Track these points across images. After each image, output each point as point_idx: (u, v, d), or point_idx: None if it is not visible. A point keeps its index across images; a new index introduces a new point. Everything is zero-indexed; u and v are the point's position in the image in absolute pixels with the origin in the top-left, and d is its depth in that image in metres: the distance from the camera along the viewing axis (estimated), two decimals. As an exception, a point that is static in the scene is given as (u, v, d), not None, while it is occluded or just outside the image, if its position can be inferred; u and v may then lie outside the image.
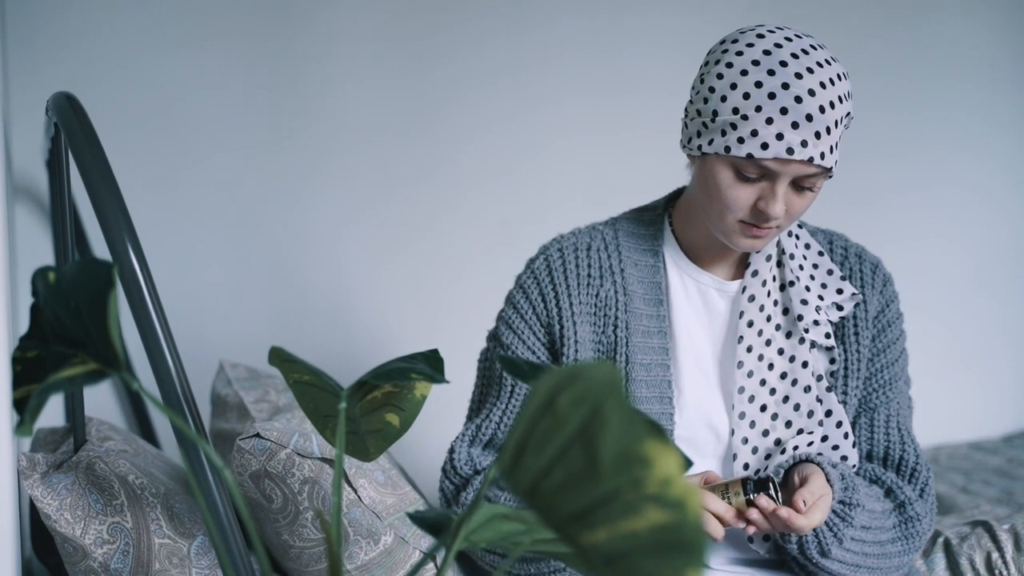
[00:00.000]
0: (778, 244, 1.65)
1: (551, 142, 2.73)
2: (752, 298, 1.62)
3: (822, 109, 1.43)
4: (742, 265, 1.67)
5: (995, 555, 1.84)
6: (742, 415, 1.61)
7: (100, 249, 2.16)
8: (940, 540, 1.89)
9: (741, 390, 1.61)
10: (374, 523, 1.53)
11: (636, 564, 0.74)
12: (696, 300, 1.66)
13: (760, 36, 1.49)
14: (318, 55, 2.54)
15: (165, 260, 2.13)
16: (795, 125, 1.42)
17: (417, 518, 1.12)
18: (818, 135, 1.43)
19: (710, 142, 1.49)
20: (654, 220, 1.71)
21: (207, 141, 2.46)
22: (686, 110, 1.57)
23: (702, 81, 1.52)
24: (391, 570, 1.52)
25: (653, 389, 1.62)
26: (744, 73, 1.45)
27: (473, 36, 2.66)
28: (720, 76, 1.48)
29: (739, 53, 1.48)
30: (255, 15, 2.49)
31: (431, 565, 1.54)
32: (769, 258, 1.63)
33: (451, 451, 1.69)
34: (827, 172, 1.48)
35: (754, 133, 1.44)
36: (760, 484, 1.49)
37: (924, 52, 3.02)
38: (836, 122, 1.45)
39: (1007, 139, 3.11)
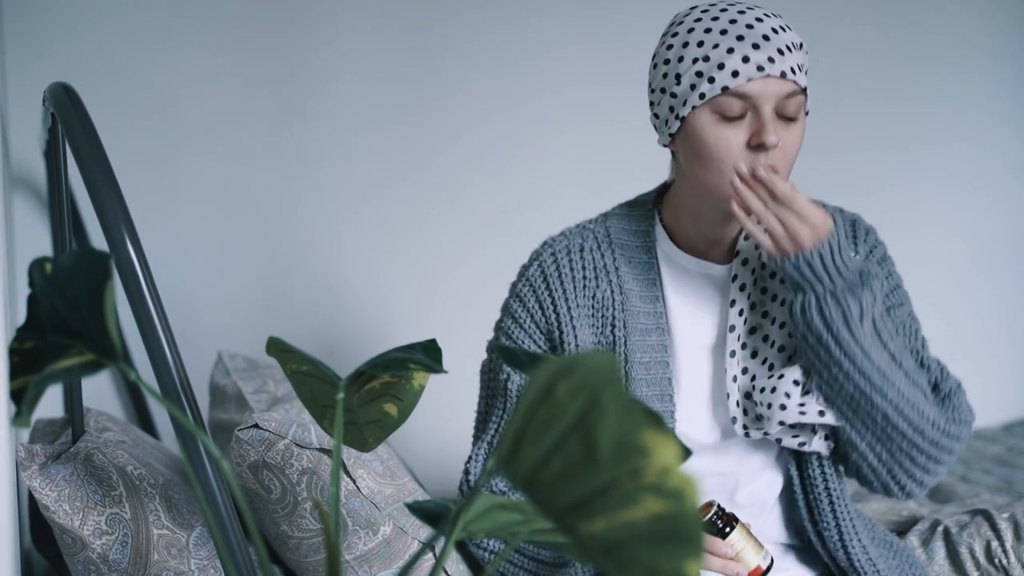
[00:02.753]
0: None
1: (548, 131, 2.73)
2: (743, 287, 1.61)
3: (775, 31, 1.48)
4: (732, 251, 1.65)
5: (995, 544, 1.84)
6: (738, 403, 1.60)
7: (98, 239, 2.16)
8: (940, 529, 1.89)
9: (734, 379, 1.60)
10: (373, 513, 1.53)
11: (634, 554, 0.74)
12: (692, 292, 1.65)
13: (692, 8, 1.56)
14: (314, 45, 2.53)
15: (163, 250, 2.13)
16: (756, 46, 1.46)
17: (416, 508, 1.12)
18: (781, 52, 1.47)
19: (684, 103, 1.51)
20: (645, 215, 1.69)
21: (204, 131, 2.46)
22: (651, 103, 1.60)
23: (655, 67, 1.57)
24: (390, 560, 1.52)
25: (653, 387, 1.61)
26: (691, 31, 1.51)
27: (470, 26, 2.65)
28: (670, 47, 1.53)
29: (679, 24, 1.54)
30: (252, 6, 2.48)
31: (430, 555, 1.55)
32: (758, 246, 1.62)
33: (466, 472, 1.67)
34: (804, 97, 1.50)
35: (721, 66, 1.46)
36: (727, 516, 1.51)
37: (923, 42, 3.02)
38: (792, 45, 1.48)
39: (1006, 129, 3.11)
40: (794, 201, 1.46)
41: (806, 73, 1.52)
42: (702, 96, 1.48)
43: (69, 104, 1.37)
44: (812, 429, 1.57)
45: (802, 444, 1.57)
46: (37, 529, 1.65)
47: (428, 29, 2.62)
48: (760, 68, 1.45)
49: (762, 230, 1.49)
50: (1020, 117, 3.12)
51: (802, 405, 1.54)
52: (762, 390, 1.56)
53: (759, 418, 1.57)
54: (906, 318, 1.66)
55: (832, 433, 1.58)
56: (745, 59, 1.45)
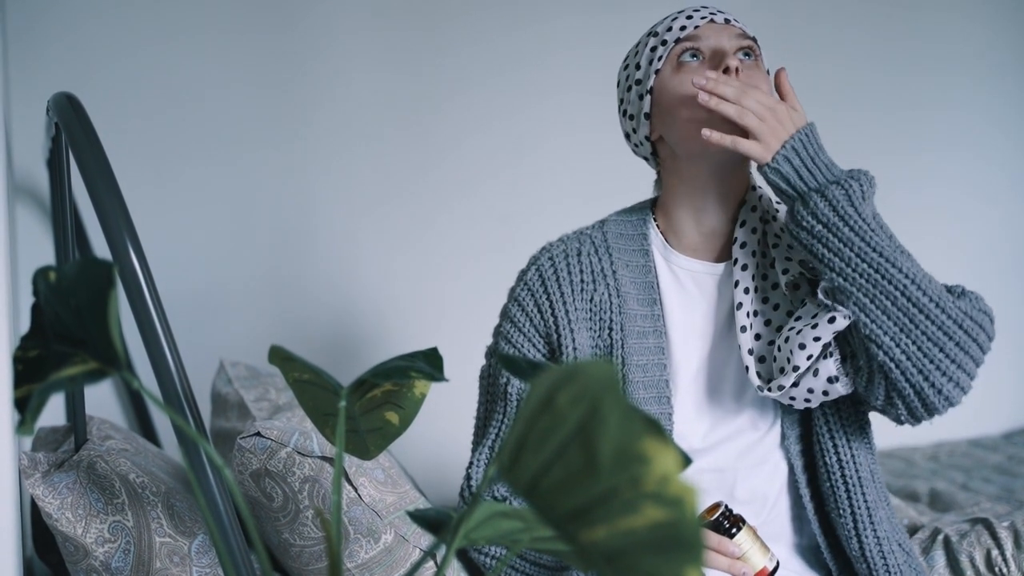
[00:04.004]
0: (761, 217, 1.65)
1: (551, 139, 2.74)
2: (744, 267, 1.62)
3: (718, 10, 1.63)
4: (728, 248, 1.67)
5: (995, 552, 1.84)
6: (746, 369, 1.59)
7: (101, 248, 2.17)
8: (940, 537, 1.89)
9: (751, 352, 1.60)
10: (374, 521, 1.53)
11: (635, 562, 0.74)
12: (690, 291, 1.66)
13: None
14: (315, 56, 2.54)
15: (165, 259, 2.13)
16: (697, 9, 1.62)
17: (417, 516, 1.12)
18: (723, 12, 1.62)
19: (648, 77, 1.61)
20: (641, 220, 1.72)
21: (207, 140, 2.47)
22: (623, 112, 1.68)
23: (618, 84, 1.70)
24: (391, 568, 1.53)
25: (651, 390, 1.62)
26: (639, 42, 1.67)
27: (472, 33, 2.66)
28: (627, 56, 1.69)
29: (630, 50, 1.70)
30: (255, 15, 2.49)
31: (431, 563, 1.55)
32: (755, 230, 1.63)
33: (468, 477, 1.68)
34: (756, 44, 1.60)
35: (669, 28, 1.61)
36: (732, 519, 1.51)
37: (922, 50, 3.03)
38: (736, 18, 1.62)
39: (1004, 138, 3.12)
40: (757, 88, 1.51)
41: (753, 33, 1.63)
42: (660, 59, 1.59)
43: (73, 114, 1.37)
44: (823, 356, 1.51)
45: (816, 372, 1.51)
46: (39, 537, 1.66)
47: (430, 36, 2.63)
48: (704, 17, 1.59)
49: (744, 139, 1.49)
50: (1020, 126, 3.13)
51: (815, 327, 1.49)
52: (773, 341, 1.56)
53: (782, 370, 1.54)
54: None
55: (847, 351, 1.52)
56: (689, 16, 1.60)
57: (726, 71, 1.53)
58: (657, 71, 1.60)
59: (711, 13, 1.60)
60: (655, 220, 1.71)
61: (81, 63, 2.35)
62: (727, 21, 1.60)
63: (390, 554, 1.53)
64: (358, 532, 1.52)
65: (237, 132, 2.49)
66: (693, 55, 1.58)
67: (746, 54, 1.59)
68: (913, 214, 3.02)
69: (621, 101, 1.68)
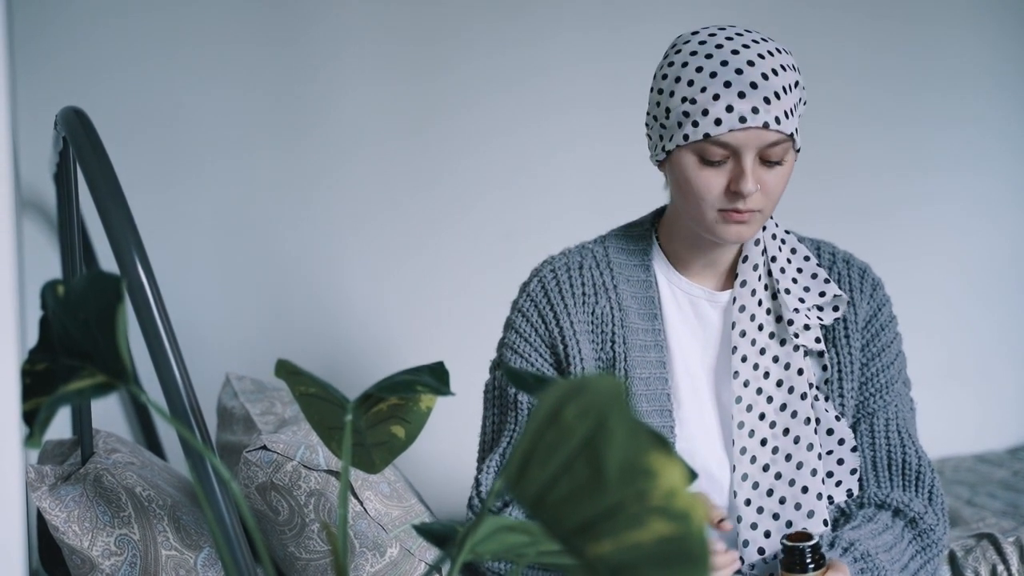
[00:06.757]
0: (764, 252, 1.65)
1: (554, 154, 2.74)
2: (742, 308, 1.63)
3: (765, 76, 1.47)
4: (731, 275, 1.67)
5: (1000, 567, 1.84)
6: (741, 424, 1.61)
7: (107, 262, 2.17)
8: (945, 553, 1.89)
9: (738, 400, 1.61)
10: (380, 535, 1.53)
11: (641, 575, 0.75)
12: (688, 312, 1.67)
13: (695, 33, 1.56)
14: (320, 70, 2.55)
15: (172, 273, 2.14)
16: (742, 95, 1.46)
17: (423, 530, 1.13)
18: (767, 100, 1.46)
19: (670, 138, 1.54)
20: (642, 235, 1.72)
21: (213, 155, 2.47)
22: (647, 123, 1.63)
23: (652, 89, 1.59)
24: (397, 582, 1.53)
25: (653, 403, 1.62)
26: (685, 65, 1.51)
27: (476, 48, 2.67)
28: (665, 76, 1.55)
29: (678, 51, 1.54)
30: (258, 30, 2.50)
31: (437, 577, 1.55)
32: (756, 267, 1.64)
33: (477, 484, 1.67)
34: (791, 141, 1.50)
35: (705, 112, 1.48)
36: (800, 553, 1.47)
37: (927, 68, 3.03)
38: (784, 88, 1.48)
39: (1009, 155, 3.11)
40: None
41: (798, 115, 1.52)
42: (685, 138, 1.50)
43: (80, 128, 1.38)
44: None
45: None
46: (46, 550, 1.66)
47: (434, 51, 2.63)
48: (743, 119, 1.45)
49: None
50: (1018, 142, 3.12)
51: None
52: (772, 398, 1.61)
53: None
54: (902, 388, 1.70)
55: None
56: (729, 108, 1.46)
57: (737, 194, 1.49)
58: (679, 145, 1.52)
59: (753, 110, 1.46)
60: (657, 236, 1.71)
61: (87, 76, 2.36)
62: (766, 125, 1.46)
63: (395, 568, 1.53)
64: (364, 546, 1.52)
65: (244, 146, 2.50)
66: (718, 161, 1.50)
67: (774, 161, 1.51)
68: (916, 230, 3.02)
69: (648, 111, 1.62)
